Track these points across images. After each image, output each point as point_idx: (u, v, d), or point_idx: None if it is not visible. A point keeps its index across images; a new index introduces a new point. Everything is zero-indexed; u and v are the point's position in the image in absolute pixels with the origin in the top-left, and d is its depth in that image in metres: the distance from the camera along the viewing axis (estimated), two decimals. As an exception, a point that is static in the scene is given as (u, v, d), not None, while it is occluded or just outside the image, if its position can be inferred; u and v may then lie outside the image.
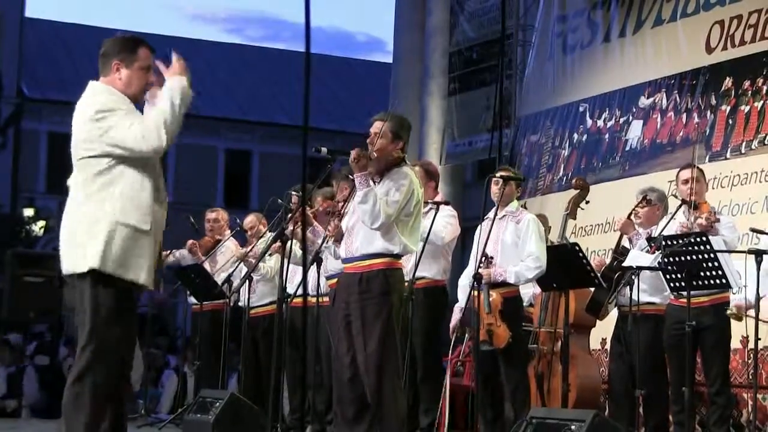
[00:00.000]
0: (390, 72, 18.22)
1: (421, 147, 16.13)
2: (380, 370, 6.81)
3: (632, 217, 8.47)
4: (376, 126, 7.03)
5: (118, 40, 5.80)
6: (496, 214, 8.16)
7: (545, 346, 8.59)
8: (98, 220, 5.39)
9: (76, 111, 5.61)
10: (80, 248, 5.39)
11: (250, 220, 10.53)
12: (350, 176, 7.19)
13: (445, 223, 8.48)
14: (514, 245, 8.14)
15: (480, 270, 7.99)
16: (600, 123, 12.10)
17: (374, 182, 6.94)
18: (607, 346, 9.53)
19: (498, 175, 8.29)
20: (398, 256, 7.04)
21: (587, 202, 9.14)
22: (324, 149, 7.06)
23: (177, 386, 13.38)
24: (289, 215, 8.34)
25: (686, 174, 8.14)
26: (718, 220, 7.77)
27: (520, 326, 8.28)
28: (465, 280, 8.25)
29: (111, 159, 5.44)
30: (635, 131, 11.56)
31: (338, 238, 7.20)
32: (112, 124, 5.43)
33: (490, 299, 8.04)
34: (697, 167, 8.41)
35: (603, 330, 9.38)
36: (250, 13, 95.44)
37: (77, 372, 5.37)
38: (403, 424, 6.95)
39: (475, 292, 7.72)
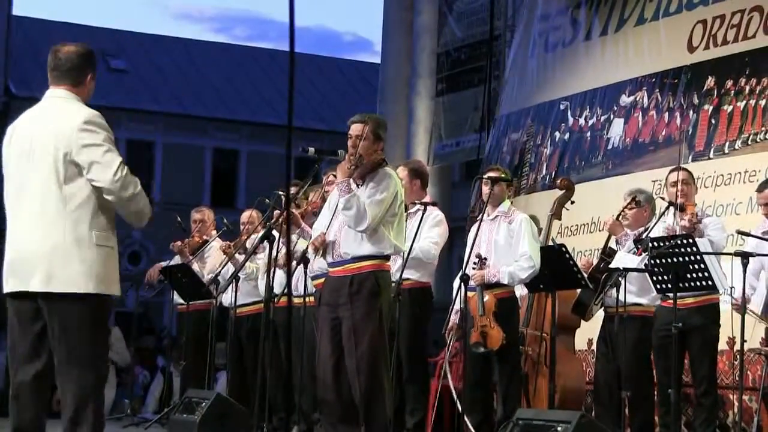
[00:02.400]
0: (378, 72, 18.22)
1: (408, 147, 16.13)
2: (370, 371, 6.83)
3: (620, 218, 8.48)
4: (356, 129, 7.04)
5: (88, 51, 5.71)
6: (482, 215, 8.16)
7: (530, 348, 8.60)
8: (79, 241, 5.32)
9: (42, 114, 5.52)
10: (62, 268, 5.30)
11: (249, 214, 10.47)
12: (333, 174, 7.21)
13: (432, 244, 8.45)
14: (507, 245, 8.16)
15: (474, 271, 8.01)
16: (581, 121, 12.10)
17: (357, 185, 6.95)
18: (594, 347, 9.53)
19: (486, 176, 8.30)
20: (387, 258, 7.06)
21: (572, 203, 9.14)
22: (311, 149, 7.07)
23: (163, 386, 13.36)
24: (276, 214, 8.32)
25: (674, 176, 8.16)
26: (699, 222, 7.78)
27: (516, 327, 8.30)
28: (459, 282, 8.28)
29: (80, 172, 5.38)
30: (617, 130, 11.55)
31: (324, 248, 7.18)
32: (104, 153, 5.36)
33: (484, 301, 8.05)
34: (686, 169, 8.43)
35: (589, 331, 9.37)
36: (237, 12, 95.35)
37: (81, 398, 5.34)
38: (389, 425, 6.96)
39: (464, 293, 7.74)
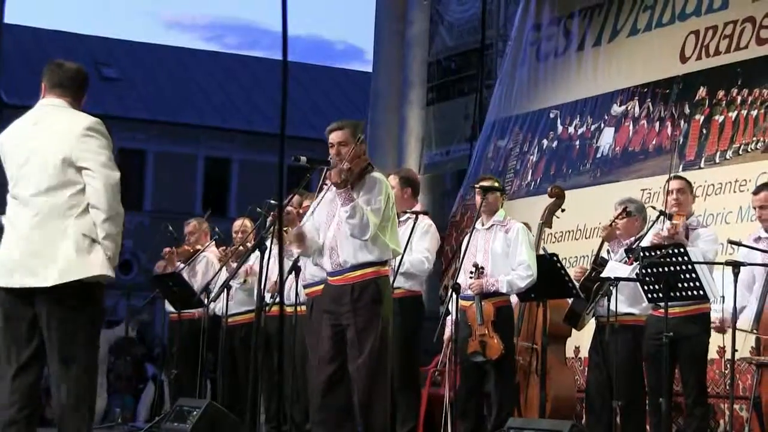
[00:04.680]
0: (369, 81, 18.23)
1: (400, 156, 16.14)
2: (373, 377, 6.85)
3: (611, 226, 8.48)
4: (337, 136, 7.04)
5: (87, 74, 5.81)
6: (474, 224, 8.18)
7: (521, 357, 8.60)
8: (80, 231, 5.37)
9: (40, 119, 5.58)
10: (71, 260, 5.34)
11: (241, 222, 10.45)
12: (326, 185, 7.20)
13: (423, 258, 8.46)
14: (504, 254, 8.18)
15: (470, 280, 8.02)
16: (571, 130, 12.13)
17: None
18: (581, 355, 9.54)
19: (479, 185, 8.31)
20: (386, 263, 7.06)
21: (563, 210, 9.15)
22: (303, 158, 7.06)
23: (154, 395, 13.34)
24: (268, 223, 8.33)
25: (669, 185, 8.18)
26: (678, 233, 7.79)
27: (512, 336, 8.31)
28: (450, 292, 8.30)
29: (78, 177, 5.43)
30: (606, 138, 11.59)
31: (300, 240, 7.16)
32: (103, 161, 5.42)
33: (483, 310, 8.05)
34: (683, 178, 8.44)
35: (577, 339, 9.39)
36: (228, 21, 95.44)
37: (75, 395, 5.39)
38: (388, 431, 6.99)
39: (462, 303, 7.75)
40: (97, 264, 5.38)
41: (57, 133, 5.46)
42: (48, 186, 5.41)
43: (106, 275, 5.41)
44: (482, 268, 8.13)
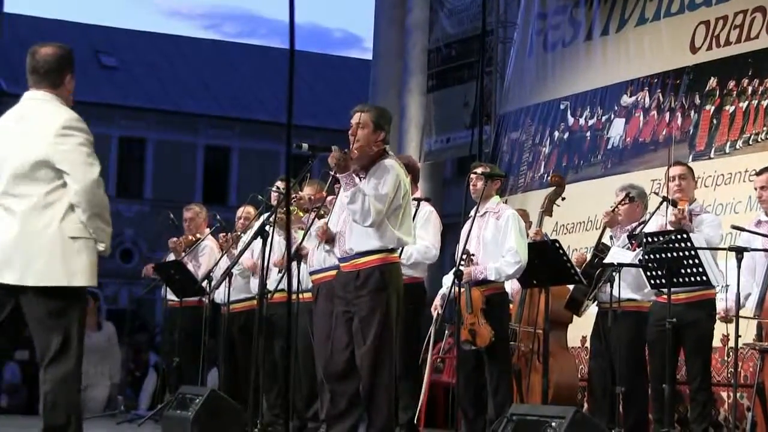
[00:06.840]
0: (369, 69, 18.21)
1: (400, 144, 16.11)
2: (376, 365, 6.85)
3: (614, 212, 8.48)
4: (357, 117, 7.01)
5: (65, 52, 5.68)
6: (477, 212, 8.16)
7: (523, 343, 8.60)
8: (66, 234, 5.37)
9: (20, 117, 5.53)
10: (56, 263, 5.34)
11: (245, 209, 10.42)
12: (330, 172, 7.19)
13: (430, 245, 8.45)
14: (494, 242, 8.14)
15: (461, 268, 8.01)
16: (582, 121, 12.11)
17: (360, 178, 6.93)
18: (587, 345, 9.53)
19: (479, 171, 8.29)
20: (393, 251, 7.04)
21: (563, 199, 9.13)
22: (305, 146, 7.05)
23: (156, 382, 13.35)
24: (271, 210, 8.33)
25: (671, 171, 8.18)
26: (685, 218, 7.78)
27: (505, 323, 8.29)
28: (448, 279, 8.29)
29: (57, 176, 5.40)
30: (617, 129, 11.58)
31: (329, 239, 7.23)
32: (82, 158, 5.39)
33: (472, 298, 8.04)
34: (685, 164, 8.45)
35: (583, 328, 9.38)
36: (226, 9, 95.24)
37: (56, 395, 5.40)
38: (392, 419, 6.99)
39: (457, 289, 7.75)
40: (79, 272, 5.38)
41: (34, 132, 5.41)
42: (26, 183, 5.38)
43: (85, 286, 5.42)
44: (472, 255, 8.12)
